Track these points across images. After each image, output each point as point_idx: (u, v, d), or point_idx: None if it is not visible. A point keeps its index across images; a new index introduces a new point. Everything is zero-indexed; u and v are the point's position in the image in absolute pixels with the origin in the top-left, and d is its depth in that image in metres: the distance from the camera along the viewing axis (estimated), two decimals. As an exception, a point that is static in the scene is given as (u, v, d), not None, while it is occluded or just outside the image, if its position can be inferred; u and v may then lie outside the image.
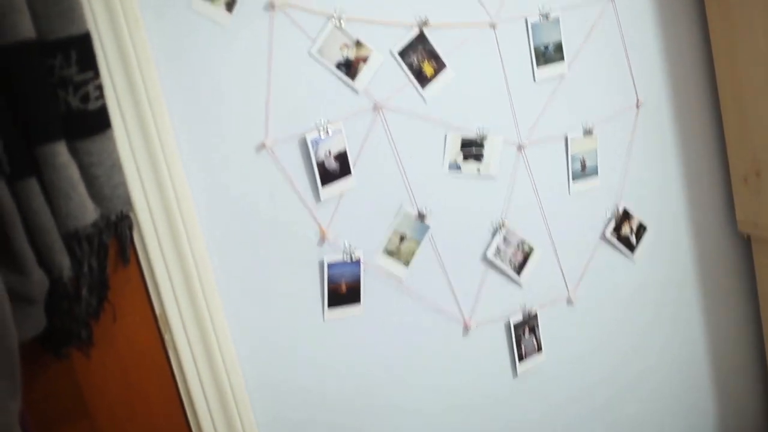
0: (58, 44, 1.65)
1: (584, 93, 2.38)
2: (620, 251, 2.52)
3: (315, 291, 2.11)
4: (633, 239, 2.53)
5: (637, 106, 2.48)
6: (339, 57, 2.04)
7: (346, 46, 2.04)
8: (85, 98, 1.69)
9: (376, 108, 2.10)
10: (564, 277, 2.44)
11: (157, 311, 1.93)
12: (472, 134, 2.23)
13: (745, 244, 2.72)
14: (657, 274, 2.60)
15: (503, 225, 2.30)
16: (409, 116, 2.15)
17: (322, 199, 2.06)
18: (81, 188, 1.67)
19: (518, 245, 2.34)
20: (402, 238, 2.18)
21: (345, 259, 2.11)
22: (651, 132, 2.52)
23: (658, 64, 2.50)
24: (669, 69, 2.51)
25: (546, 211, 2.37)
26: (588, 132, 2.39)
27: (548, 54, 2.30)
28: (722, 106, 2.53)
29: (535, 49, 2.29)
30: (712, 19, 2.47)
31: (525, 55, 2.28)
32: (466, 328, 2.31)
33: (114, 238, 1.79)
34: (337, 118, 2.06)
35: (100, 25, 1.77)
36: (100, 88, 1.72)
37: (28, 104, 1.61)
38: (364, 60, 2.07)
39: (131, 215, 1.83)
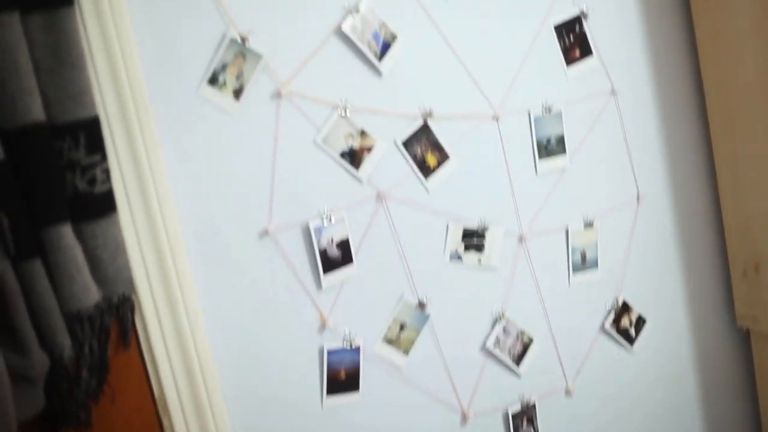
0: (67, 127, 1.67)
1: (585, 186, 2.41)
2: (619, 343, 2.52)
3: (314, 377, 2.10)
4: (632, 332, 2.53)
5: (638, 200, 2.50)
6: (344, 146, 2.07)
7: (351, 135, 2.07)
8: (92, 181, 1.71)
9: (379, 197, 2.12)
10: (563, 368, 2.43)
11: (156, 395, 1.92)
12: (473, 225, 2.25)
13: (744, 338, 2.72)
14: (656, 367, 2.60)
15: (503, 315, 2.31)
16: (412, 206, 2.17)
17: (323, 286, 2.07)
18: (85, 270, 1.68)
19: (518, 336, 2.34)
20: (402, 327, 2.18)
21: (345, 347, 2.11)
22: (651, 225, 2.54)
23: (659, 158, 2.53)
24: (670, 163, 2.54)
25: (546, 303, 2.38)
26: (589, 224, 2.41)
27: (550, 147, 2.33)
28: (722, 202, 2.55)
29: (538, 142, 2.31)
30: (712, 116, 2.50)
31: (527, 147, 2.31)
32: (464, 418, 2.30)
33: (115, 321, 1.80)
34: (340, 206, 2.08)
35: (108, 109, 1.79)
36: (107, 171, 1.74)
37: (36, 186, 1.63)
38: (369, 150, 2.09)
39: (133, 298, 1.83)
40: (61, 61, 1.66)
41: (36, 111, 1.62)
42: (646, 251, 2.54)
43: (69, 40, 1.66)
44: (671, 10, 2.51)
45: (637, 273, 2.53)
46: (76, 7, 1.71)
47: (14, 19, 1.59)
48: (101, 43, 1.78)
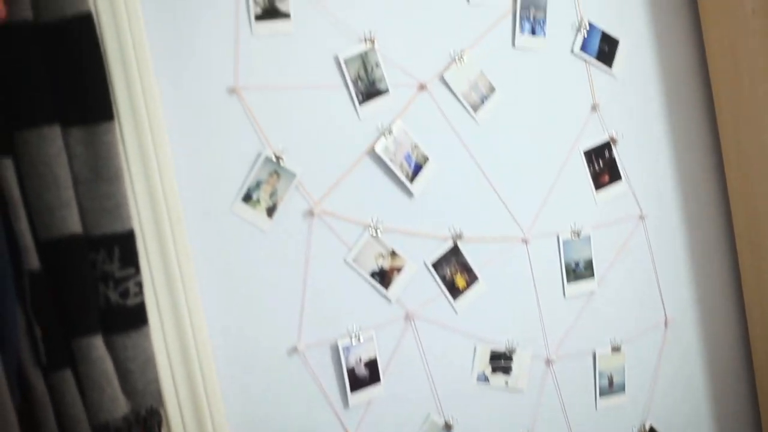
0: (102, 240, 1.70)
1: (613, 310, 2.41)
2: (646, 469, 2.50)
3: (338, 497, 2.09)
4: (659, 458, 2.51)
5: (666, 324, 2.49)
6: (374, 266, 2.08)
7: (382, 255, 2.09)
8: (125, 294, 1.73)
9: (408, 317, 2.13)
10: (589, 494, 2.41)
11: None
12: (501, 347, 2.24)
13: (773, 466, 2.69)
14: (683, 494, 2.57)
15: (529, 438, 2.30)
16: (440, 327, 2.17)
17: (350, 404, 2.06)
18: (114, 382, 1.69)
19: (544, 460, 2.32)
20: (428, 448, 2.17)
21: (370, 467, 2.10)
22: (679, 350, 2.52)
23: (687, 282, 2.53)
24: (698, 288, 2.54)
25: (573, 426, 2.36)
26: (616, 349, 2.40)
27: (578, 270, 2.34)
28: (750, 328, 2.54)
29: (566, 266, 2.32)
30: (740, 242, 2.50)
31: (556, 271, 2.32)
32: None
33: (142, 433, 1.80)
34: (369, 325, 2.08)
35: (143, 223, 1.81)
36: (139, 284, 1.76)
37: (70, 297, 1.65)
38: (398, 270, 2.11)
39: (161, 411, 1.83)
40: (98, 175, 1.69)
41: (72, 223, 1.65)
42: (674, 376, 2.52)
43: (107, 154, 1.70)
44: (700, 135, 2.54)
45: (665, 398, 2.50)
46: (116, 122, 1.75)
47: (55, 133, 1.64)
48: (139, 158, 1.81)
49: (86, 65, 1.71)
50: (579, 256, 2.34)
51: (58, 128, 1.65)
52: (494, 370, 2.24)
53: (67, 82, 1.68)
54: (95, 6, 1.76)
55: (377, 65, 2.08)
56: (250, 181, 1.96)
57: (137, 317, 1.76)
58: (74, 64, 1.70)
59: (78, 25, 1.70)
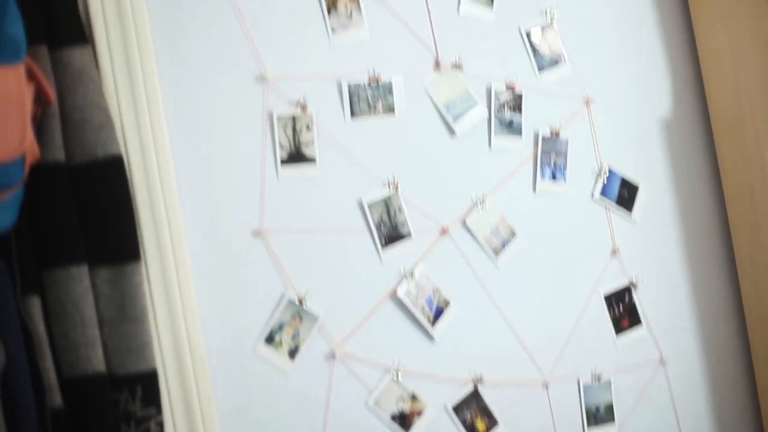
0: (125, 379, 1.71)
1: (634, 458, 2.40)
2: None
3: None
4: None
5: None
6: (394, 409, 2.08)
7: (402, 399, 2.08)
8: (146, 433, 1.73)
9: (429, 460, 2.12)
10: None
11: None
12: (521, 493, 2.23)
13: None
14: None
15: None
16: (461, 470, 2.17)
17: None
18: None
19: None
20: None
21: None
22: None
23: (708, 428, 2.52)
24: (718, 428, 2.53)
25: None
26: (639, 495, 2.38)
27: (599, 415, 2.33)
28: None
29: (587, 410, 2.31)
30: (761, 385, 2.50)
31: (576, 415, 2.31)
32: None
33: None
34: (389, 468, 2.08)
35: (166, 363, 1.82)
36: (161, 424, 1.76)
37: (93, 437, 1.65)
38: (419, 413, 2.10)
39: None
40: (124, 315, 1.71)
41: (96, 362, 1.66)
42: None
43: (133, 294, 1.73)
44: (719, 280, 2.57)
45: None
46: (143, 262, 1.77)
47: (83, 272, 1.67)
48: (164, 298, 1.83)
49: (115, 206, 1.75)
50: (600, 400, 2.33)
51: (86, 268, 1.68)
52: None
53: (95, 221, 1.72)
54: (125, 148, 1.80)
55: (400, 209, 2.11)
56: (272, 323, 1.98)
57: (158, 457, 1.76)
58: (103, 204, 1.73)
59: (108, 167, 1.74)
